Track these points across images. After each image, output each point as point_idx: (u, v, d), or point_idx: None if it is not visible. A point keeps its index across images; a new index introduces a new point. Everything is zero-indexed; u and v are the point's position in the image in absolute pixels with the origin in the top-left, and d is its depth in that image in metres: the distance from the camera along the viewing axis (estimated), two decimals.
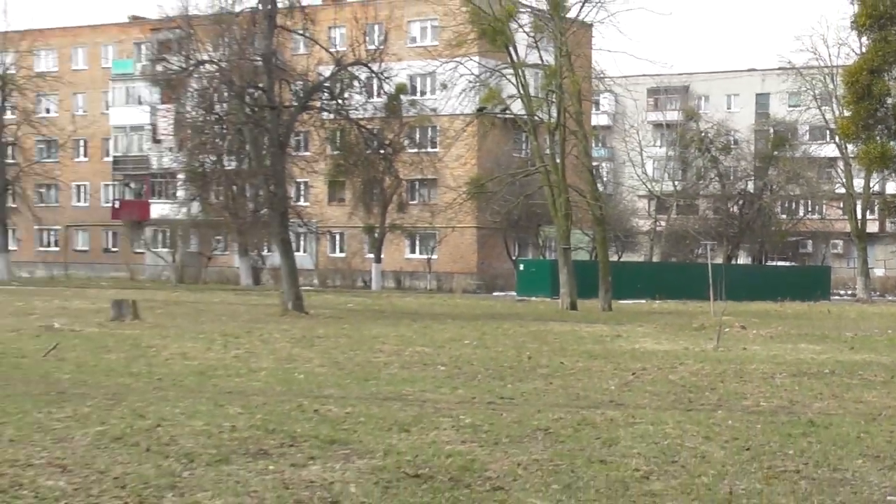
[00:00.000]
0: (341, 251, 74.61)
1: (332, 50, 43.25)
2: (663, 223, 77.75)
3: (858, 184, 67.61)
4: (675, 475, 9.46)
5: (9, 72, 70.24)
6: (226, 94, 40.41)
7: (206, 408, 13.55)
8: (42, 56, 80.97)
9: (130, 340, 24.70)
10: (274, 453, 10.32)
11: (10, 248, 73.39)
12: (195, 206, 61.00)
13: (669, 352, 23.97)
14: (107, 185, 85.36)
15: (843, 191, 71.23)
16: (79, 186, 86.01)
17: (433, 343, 25.61)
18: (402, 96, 47.58)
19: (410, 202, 66.14)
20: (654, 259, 75.34)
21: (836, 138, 65.49)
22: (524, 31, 47.66)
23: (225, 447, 10.55)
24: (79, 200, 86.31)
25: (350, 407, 13.87)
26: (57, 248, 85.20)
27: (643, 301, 52.79)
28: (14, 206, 72.15)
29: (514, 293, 60.45)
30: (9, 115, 70.75)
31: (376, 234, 67.30)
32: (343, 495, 8.44)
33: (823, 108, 65.09)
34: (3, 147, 69.93)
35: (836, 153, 70.22)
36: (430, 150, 60.63)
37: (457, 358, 21.78)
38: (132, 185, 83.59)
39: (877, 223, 76.41)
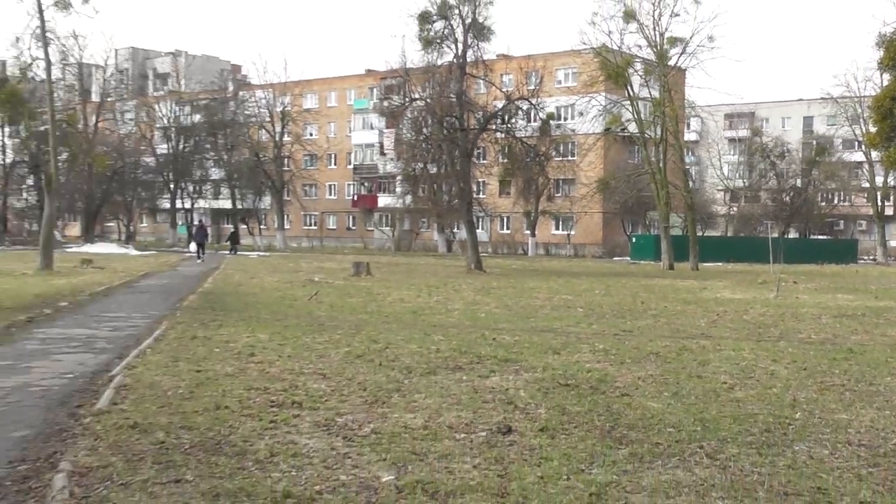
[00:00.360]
0: (507, 228, 75.47)
1: (504, 89, 44.25)
2: (735, 209, 77.64)
3: (879, 180, 67.05)
4: (752, 387, 9.78)
5: (287, 108, 72.45)
6: (430, 120, 41.45)
7: (418, 336, 14.06)
8: (308, 97, 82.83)
9: (365, 290, 25.18)
10: (466, 368, 10.87)
11: (285, 227, 76.49)
12: (408, 199, 61.18)
13: (742, 299, 23.76)
14: (349, 184, 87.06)
15: (867, 185, 70.53)
16: (330, 185, 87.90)
17: (573, 292, 25.66)
18: (550, 121, 48.77)
19: (556, 194, 66.70)
20: (728, 234, 74.37)
21: (863, 147, 65.21)
22: (638, 75, 47.84)
23: (432, 363, 11.16)
24: (330, 195, 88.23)
25: (517, 336, 14.21)
26: (315, 227, 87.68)
27: (720, 264, 52.53)
28: (288, 199, 74.69)
29: (628, 258, 60.91)
30: (286, 138, 72.83)
31: (532, 217, 68.21)
32: (516, 397, 8.86)
33: (853, 126, 64.17)
34: (282, 159, 73.11)
35: (862, 158, 69.30)
36: (570, 158, 61.78)
37: (590, 303, 21.80)
38: (365, 184, 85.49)
39: (892, 208, 75.58)
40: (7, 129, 64.62)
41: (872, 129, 58.56)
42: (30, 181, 66.34)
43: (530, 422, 7.98)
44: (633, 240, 64.59)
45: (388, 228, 79.38)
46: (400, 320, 17.03)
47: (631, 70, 47.50)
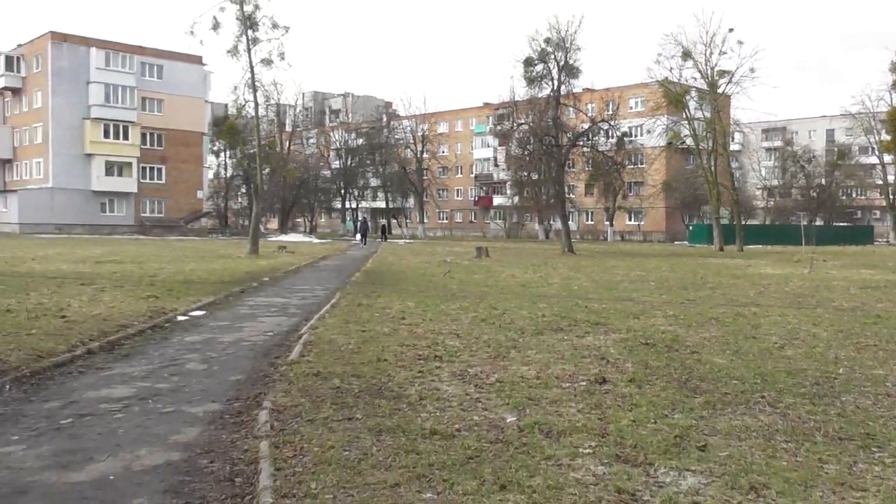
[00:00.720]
0: (591, 220, 74.04)
1: (589, 115, 43.95)
2: (771, 202, 74.84)
3: (891, 178, 62.92)
4: (798, 347, 9.24)
5: (425, 133, 72.66)
6: (532, 139, 40.81)
7: (527, 304, 13.58)
8: (441, 124, 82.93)
9: (485, 268, 24.60)
10: (566, 329, 10.45)
11: (424, 220, 77.43)
12: (516, 199, 59.01)
13: (782, 274, 22.47)
14: (471, 189, 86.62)
15: (880, 182, 66.09)
16: (457, 189, 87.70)
17: (644, 269, 24.66)
18: (625, 138, 47.80)
19: (629, 194, 64.51)
20: (766, 222, 71.82)
21: (877, 152, 62.18)
22: (693, 100, 47.04)
23: (539, 326, 10.76)
24: (457, 197, 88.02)
25: (604, 304, 13.69)
26: (446, 221, 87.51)
27: (761, 246, 50.40)
28: (426, 200, 75.44)
29: (686, 242, 58.95)
30: (425, 155, 72.77)
31: (610, 211, 66.63)
32: (607, 354, 8.52)
33: (868, 136, 60.71)
34: (422, 171, 73.51)
35: (876, 161, 65.24)
36: (639, 165, 60.54)
37: (659, 278, 20.85)
38: (483, 188, 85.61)
39: None
40: (228, 153, 67.08)
41: (887, 138, 55.60)
42: (242, 189, 68.54)
43: (620, 374, 7.57)
44: (690, 228, 62.60)
45: (500, 221, 79.17)
46: (512, 291, 16.61)
47: (688, 96, 46.24)
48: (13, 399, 6.49)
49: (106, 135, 59.48)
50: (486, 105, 79.37)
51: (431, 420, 5.76)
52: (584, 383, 7.15)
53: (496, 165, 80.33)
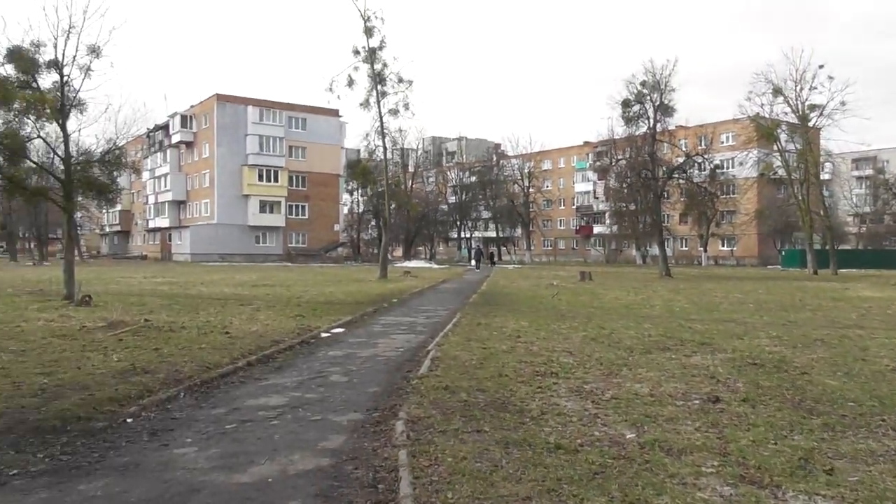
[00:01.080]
0: (685, 246, 71.01)
1: (683, 149, 42.78)
2: (864, 228, 69.42)
3: None
4: None
5: (531, 170, 72.54)
6: (630, 173, 39.94)
7: (633, 324, 12.93)
8: (545, 162, 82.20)
9: (589, 291, 23.87)
10: (672, 349, 9.82)
11: (531, 248, 76.71)
12: (614, 228, 59.10)
13: (882, 297, 20.62)
14: (573, 219, 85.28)
15: None
16: (560, 220, 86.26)
17: (741, 292, 23.21)
18: (717, 170, 45.97)
19: (721, 221, 62.42)
20: (859, 247, 66.55)
21: None
22: (784, 133, 44.82)
23: (647, 345, 10.17)
24: (560, 226, 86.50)
25: (706, 325, 12.90)
26: (550, 248, 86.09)
27: (854, 270, 46.85)
28: (533, 229, 74.78)
29: (779, 266, 55.52)
30: (531, 190, 72.54)
31: (703, 238, 63.64)
32: (716, 373, 7.92)
33: None
34: (528, 204, 73.24)
35: None
36: (731, 195, 57.88)
37: (757, 300, 19.45)
38: (584, 218, 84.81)
39: None
40: (360, 191, 68.99)
41: None
42: (372, 222, 70.24)
43: (732, 393, 6.96)
44: (783, 253, 58.86)
45: (599, 248, 77.57)
46: (617, 312, 15.96)
47: (779, 130, 43.59)
48: (187, 405, 6.65)
49: (260, 178, 62.53)
50: (587, 143, 78.90)
51: (555, 434, 5.44)
52: (697, 402, 6.63)
53: (595, 198, 79.06)
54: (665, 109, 37.72)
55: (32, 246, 66.34)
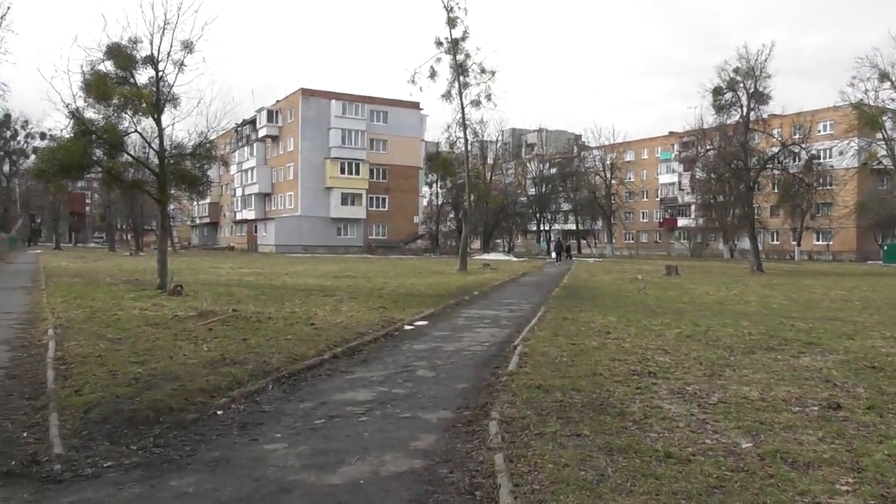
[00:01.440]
0: (777, 240, 67.69)
1: (778, 138, 40.66)
2: None
3: None
4: None
5: (613, 161, 71.12)
6: (720, 164, 38.25)
7: (729, 321, 12.20)
8: (627, 153, 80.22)
9: (677, 285, 23.01)
10: (777, 349, 9.15)
11: (612, 241, 75.01)
12: (700, 220, 56.05)
13: None
14: (656, 211, 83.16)
15: None
16: (642, 212, 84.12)
17: (843, 288, 22.00)
18: (814, 160, 43.53)
19: (817, 214, 59.19)
20: None
21: None
22: (891, 120, 41.89)
23: (748, 344, 9.51)
24: (642, 219, 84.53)
25: (810, 323, 12.05)
26: (632, 241, 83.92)
27: None
28: (614, 222, 73.18)
29: (880, 262, 52.05)
30: (613, 181, 71.14)
31: (797, 231, 60.78)
32: (830, 376, 7.31)
33: None
34: (610, 196, 71.29)
35: None
36: (829, 187, 54.70)
37: (863, 297, 18.33)
38: (668, 211, 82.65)
39: None
40: (439, 183, 69.17)
41: None
42: (451, 214, 70.29)
43: (854, 400, 6.34)
44: (885, 248, 55.03)
45: (684, 241, 74.80)
46: (710, 308, 15.06)
47: (884, 117, 40.61)
48: (276, 398, 6.57)
49: (342, 171, 63.53)
50: (672, 133, 76.77)
51: (662, 441, 5.02)
52: (815, 408, 6.04)
53: (681, 189, 76.85)
54: (759, 97, 35.82)
55: (129, 237, 69.79)
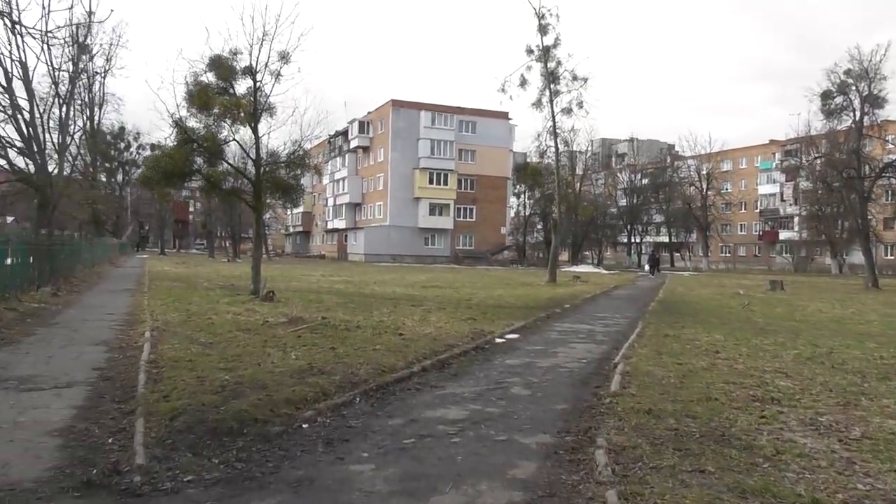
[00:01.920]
0: (891, 254, 62.63)
1: (894, 144, 37.71)
2: None
3: None
4: None
5: (710, 171, 67.93)
6: (829, 173, 36.25)
7: (853, 343, 11.14)
8: (724, 163, 75.78)
9: (785, 302, 21.40)
10: None
11: (708, 254, 71.76)
12: (804, 233, 54.78)
13: None
14: (755, 223, 79.34)
15: None
16: (740, 224, 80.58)
17: None
18: None
19: None
20: None
21: None
22: None
23: (881, 369, 8.56)
24: (741, 231, 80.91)
25: None
26: (728, 255, 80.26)
27: None
28: (710, 234, 70.27)
29: None
30: (709, 192, 67.96)
31: None
32: None
33: None
34: (706, 207, 68.24)
35: None
36: None
37: None
38: (769, 223, 78.61)
39: None
40: (527, 194, 68.35)
41: None
42: (538, 225, 69.25)
43: None
44: None
45: (787, 255, 70.46)
46: (826, 328, 13.87)
47: None
48: (363, 412, 6.20)
49: (430, 181, 63.83)
50: (772, 142, 73.08)
51: (803, 484, 4.30)
52: None
53: (783, 200, 72.93)
54: (874, 100, 33.30)
55: (227, 244, 72.48)
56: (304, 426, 5.59)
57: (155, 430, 5.24)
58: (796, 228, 66.03)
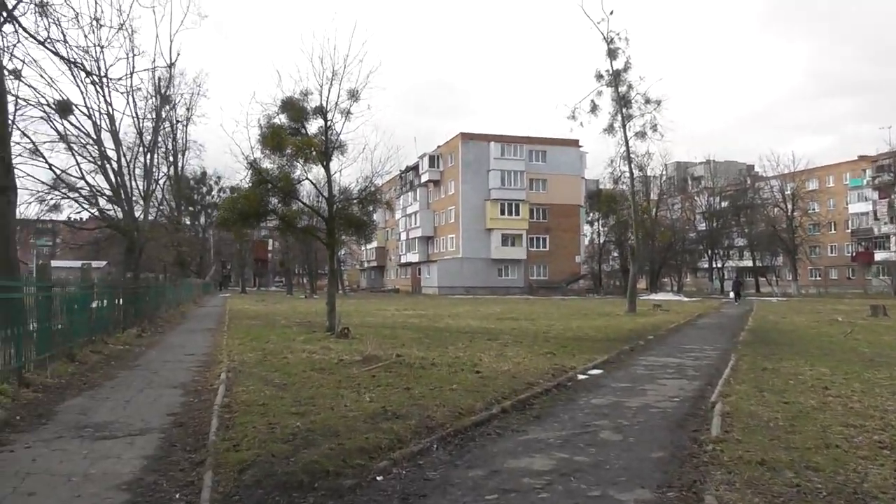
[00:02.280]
0: None
1: None
2: None
3: None
4: None
5: (794, 191, 64.97)
6: None
7: None
8: (810, 182, 72.62)
9: (891, 329, 19.59)
10: None
11: (797, 277, 68.31)
12: None
13: None
14: (847, 244, 75.46)
15: None
16: (831, 246, 76.24)
17: None
18: None
19: None
20: None
21: None
22: None
23: None
24: (831, 253, 76.82)
25: None
26: (819, 278, 75.94)
27: None
28: (798, 257, 66.67)
29: None
30: (795, 213, 65.15)
31: None
32: None
33: None
34: (793, 229, 65.07)
35: None
36: None
37: None
38: (863, 243, 74.41)
39: None
40: (601, 221, 67.14)
41: None
42: (614, 253, 67.85)
43: None
44: None
45: (885, 277, 66.01)
46: None
47: None
48: (441, 462, 5.75)
49: (502, 212, 63.53)
50: (862, 158, 69.36)
51: None
52: None
53: (877, 219, 69.15)
54: None
55: (305, 281, 73.93)
56: (378, 478, 5.20)
57: (223, 484, 4.97)
58: (893, 248, 62.10)
